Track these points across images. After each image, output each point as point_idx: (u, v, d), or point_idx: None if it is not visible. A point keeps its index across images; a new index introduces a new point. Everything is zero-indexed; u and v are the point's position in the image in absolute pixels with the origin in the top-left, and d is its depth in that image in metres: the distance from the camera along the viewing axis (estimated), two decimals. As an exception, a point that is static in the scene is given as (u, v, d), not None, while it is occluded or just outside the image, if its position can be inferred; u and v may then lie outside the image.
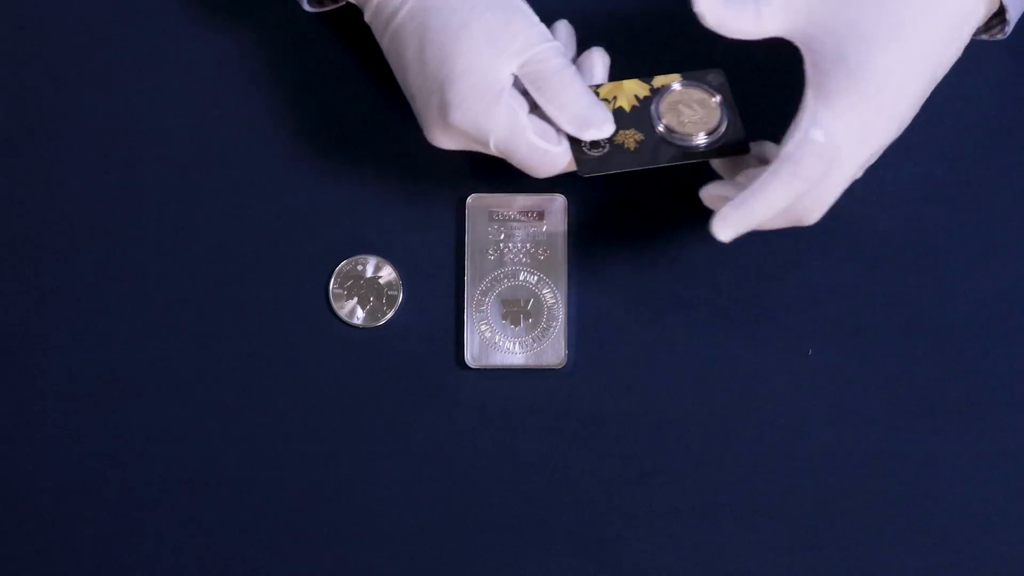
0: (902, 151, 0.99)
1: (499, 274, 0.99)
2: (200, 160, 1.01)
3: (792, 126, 0.87)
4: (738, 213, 0.87)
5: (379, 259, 1.00)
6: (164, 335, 1.00)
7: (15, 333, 1.00)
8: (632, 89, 0.93)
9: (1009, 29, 0.91)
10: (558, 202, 0.99)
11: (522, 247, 0.99)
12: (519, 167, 0.91)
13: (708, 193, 0.91)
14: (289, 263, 1.00)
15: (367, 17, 0.93)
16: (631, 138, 0.92)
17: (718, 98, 0.93)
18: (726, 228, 0.87)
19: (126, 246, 1.00)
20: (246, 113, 1.01)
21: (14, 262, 1.00)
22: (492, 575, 0.98)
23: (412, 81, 0.91)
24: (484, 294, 0.99)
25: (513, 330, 0.99)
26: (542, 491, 0.98)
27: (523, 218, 0.99)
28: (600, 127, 0.90)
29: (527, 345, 0.99)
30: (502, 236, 0.99)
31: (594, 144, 0.91)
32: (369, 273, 1.00)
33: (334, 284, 1.00)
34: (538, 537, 0.98)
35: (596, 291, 0.99)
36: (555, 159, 0.90)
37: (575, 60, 0.94)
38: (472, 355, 0.99)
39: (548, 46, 0.90)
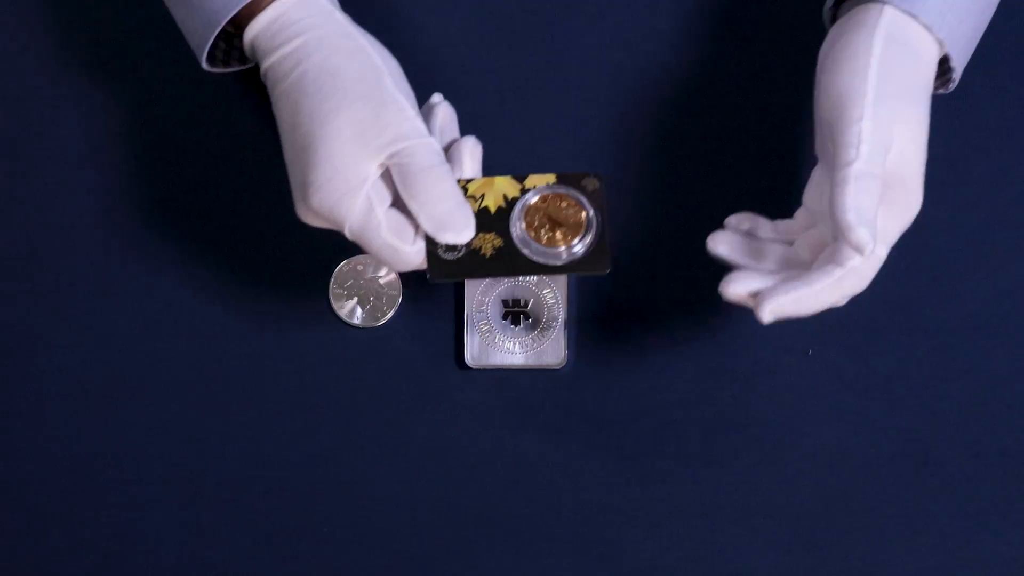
0: (902, 151, 0.99)
1: (499, 274, 0.99)
2: (201, 160, 1.01)
3: None
4: (791, 307, 0.86)
5: (379, 259, 1.00)
6: (164, 335, 1.00)
7: (15, 333, 1.00)
8: (502, 188, 0.90)
9: (952, 86, 0.93)
10: (558, 202, 0.99)
11: (522, 247, 0.99)
12: (374, 257, 0.90)
13: (738, 290, 0.88)
14: (289, 263, 1.00)
15: (261, 78, 0.93)
16: (489, 243, 0.89)
17: (588, 211, 0.89)
18: (774, 314, 0.87)
19: (126, 246, 1.00)
20: (246, 113, 1.01)
21: (14, 262, 1.00)
22: (492, 575, 0.98)
23: (285, 153, 0.90)
24: (484, 294, 0.99)
25: (513, 330, 0.99)
26: (542, 491, 0.98)
27: (523, 218, 0.99)
28: (459, 232, 0.88)
29: (527, 345, 0.99)
30: (502, 236, 0.99)
31: (450, 248, 0.89)
32: (369, 273, 1.00)
33: (334, 284, 1.00)
34: (538, 536, 0.98)
35: (596, 291, 0.99)
36: (406, 258, 0.89)
37: (451, 146, 0.92)
38: (472, 355, 0.99)
39: (418, 142, 0.88)
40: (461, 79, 1.01)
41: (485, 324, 0.99)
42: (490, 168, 1.00)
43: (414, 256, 0.89)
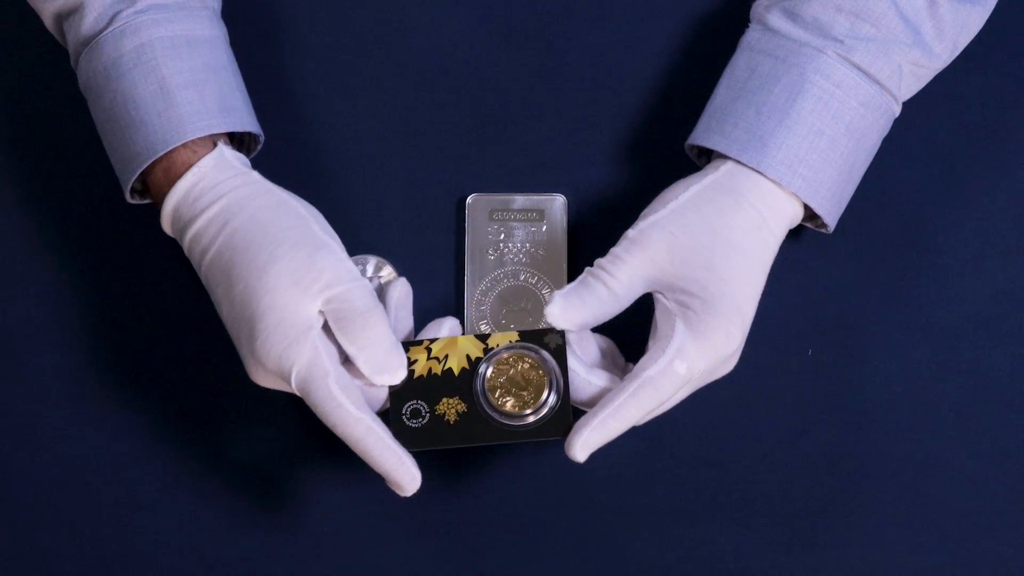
0: (902, 151, 0.99)
1: (499, 274, 0.99)
2: (200, 160, 1.01)
3: (653, 350, 0.88)
4: (598, 436, 0.88)
5: (379, 259, 1.00)
6: (165, 335, 1.00)
7: (15, 333, 1.00)
8: (465, 348, 0.91)
9: (831, 228, 0.93)
10: (558, 202, 0.99)
11: (522, 247, 0.99)
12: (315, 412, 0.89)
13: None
14: (289, 263, 1.00)
15: (184, 251, 0.93)
16: (453, 409, 0.90)
17: (549, 374, 0.90)
18: (586, 450, 0.88)
19: (127, 246, 1.00)
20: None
21: (14, 262, 1.00)
22: (493, 575, 0.98)
23: (225, 318, 0.91)
24: (484, 294, 0.99)
25: (513, 330, 0.99)
26: (542, 491, 0.98)
27: (523, 218, 0.99)
28: (393, 373, 0.89)
29: (527, 345, 0.99)
30: (502, 236, 0.99)
31: (414, 413, 0.90)
32: (369, 273, 1.00)
33: (334, 284, 1.00)
34: (538, 536, 0.98)
35: (596, 291, 0.99)
36: (347, 416, 0.88)
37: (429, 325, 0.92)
38: (472, 355, 0.99)
39: (353, 285, 0.89)
40: (461, 79, 1.01)
41: (485, 325, 0.99)
42: (490, 168, 1.00)
43: (354, 425, 0.87)
